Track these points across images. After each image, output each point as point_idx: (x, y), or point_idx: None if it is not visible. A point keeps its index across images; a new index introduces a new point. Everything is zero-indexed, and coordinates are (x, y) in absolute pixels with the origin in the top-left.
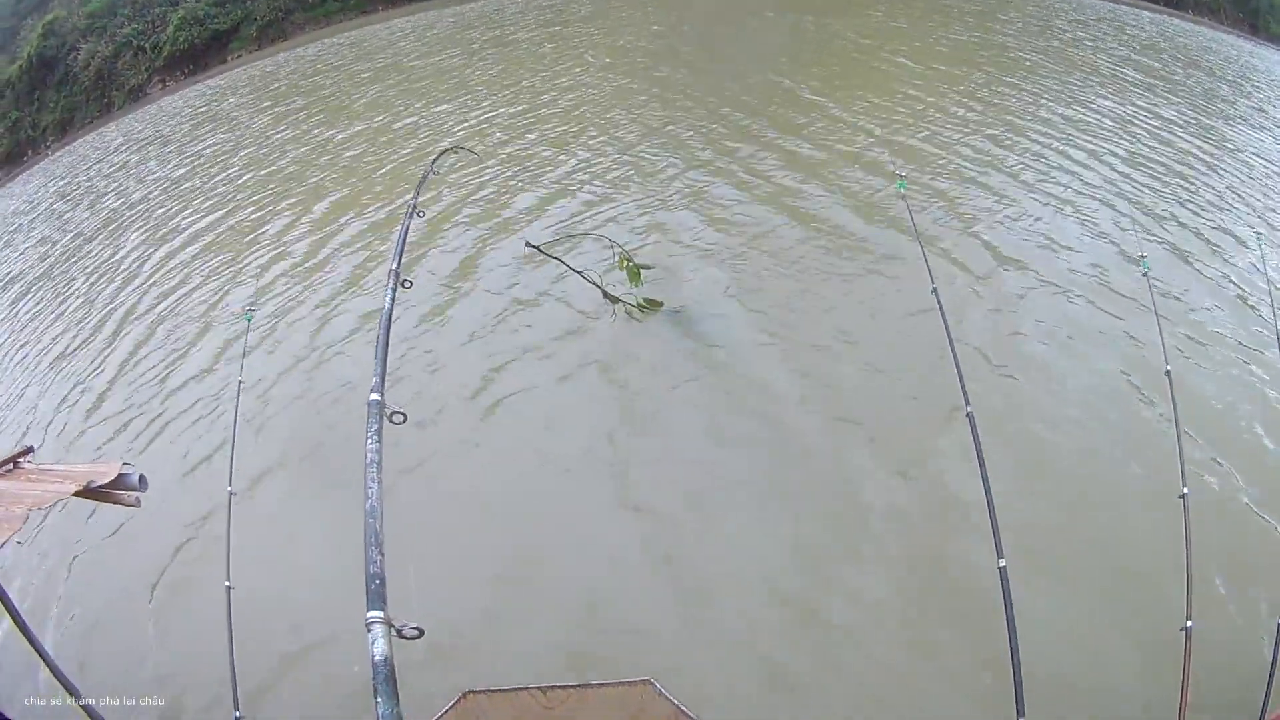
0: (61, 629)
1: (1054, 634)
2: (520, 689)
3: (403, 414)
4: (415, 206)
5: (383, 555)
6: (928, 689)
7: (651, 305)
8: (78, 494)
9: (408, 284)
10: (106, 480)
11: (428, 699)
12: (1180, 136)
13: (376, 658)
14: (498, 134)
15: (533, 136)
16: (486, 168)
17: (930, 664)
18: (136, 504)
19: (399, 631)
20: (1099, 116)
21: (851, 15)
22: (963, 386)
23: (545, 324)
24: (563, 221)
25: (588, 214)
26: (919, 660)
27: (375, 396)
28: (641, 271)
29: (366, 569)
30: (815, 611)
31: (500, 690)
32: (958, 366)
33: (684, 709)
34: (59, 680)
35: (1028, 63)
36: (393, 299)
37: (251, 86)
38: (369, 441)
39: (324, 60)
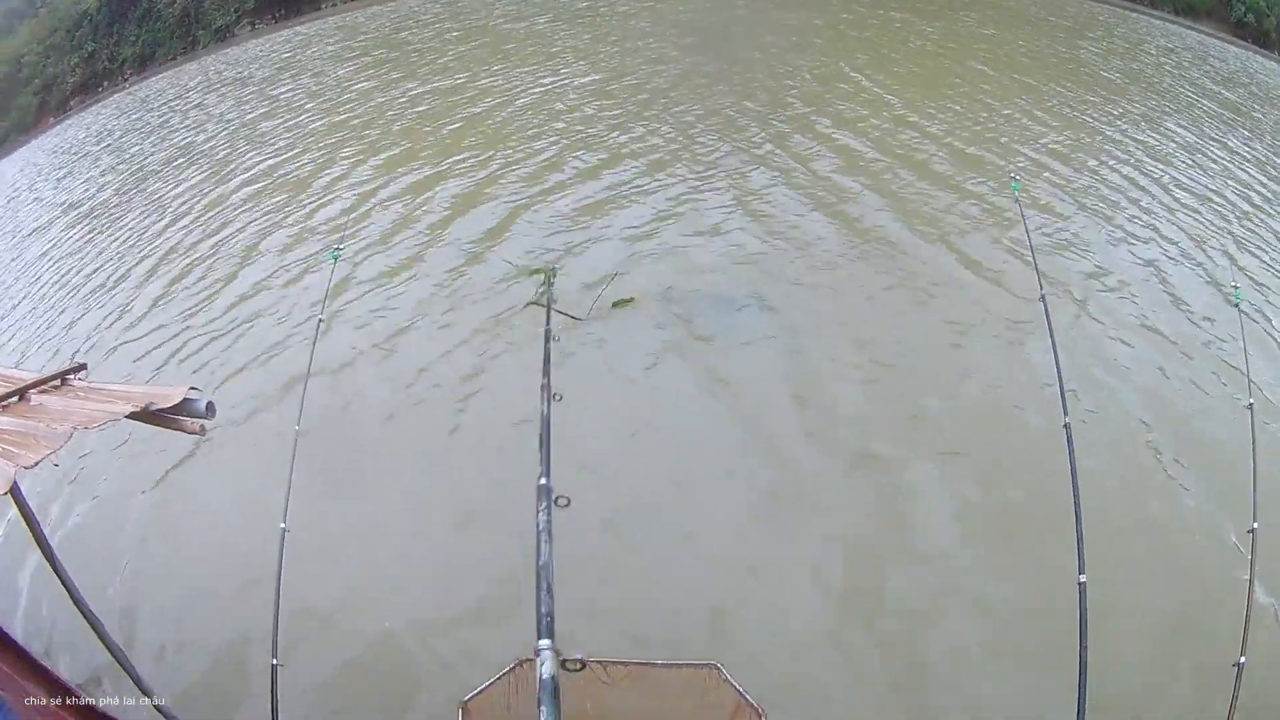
0: (106, 563)
1: (1117, 655)
2: (587, 660)
3: (567, 499)
4: (550, 333)
5: (553, 598)
6: (989, 691)
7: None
8: (133, 416)
9: (559, 397)
10: (170, 404)
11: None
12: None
13: (545, 677)
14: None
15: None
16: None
17: (1000, 668)
18: (201, 432)
19: (564, 662)
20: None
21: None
22: (1062, 396)
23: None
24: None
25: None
26: (989, 662)
27: (543, 482)
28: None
29: (538, 608)
30: (898, 611)
31: (569, 658)
32: (1059, 376)
33: (747, 696)
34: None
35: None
36: (549, 406)
37: (342, 35)
38: (540, 515)
39: (415, 16)
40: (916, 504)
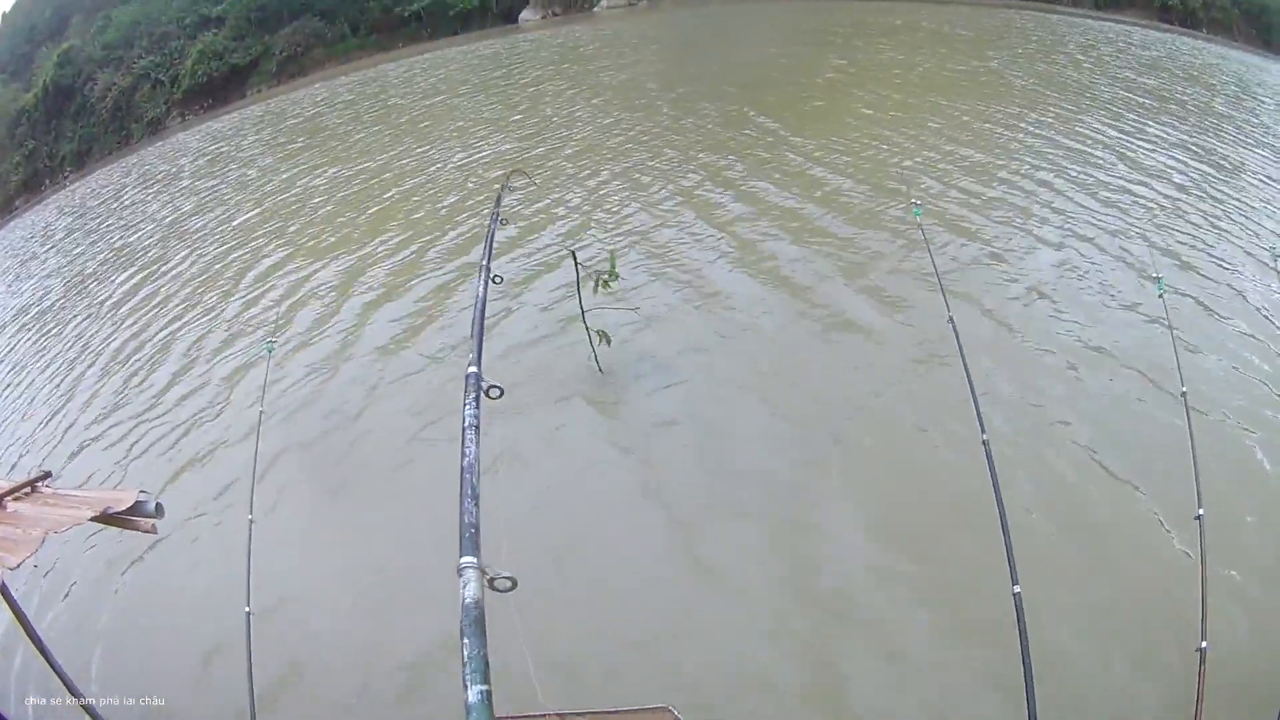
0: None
1: (1068, 655)
2: (539, 715)
3: (499, 388)
4: (499, 214)
5: (478, 508)
6: (939, 711)
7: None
8: (94, 519)
9: (498, 279)
10: (123, 507)
11: None
12: (1181, 156)
13: (467, 600)
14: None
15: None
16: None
17: (942, 685)
18: (153, 530)
19: (491, 581)
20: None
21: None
22: (978, 414)
23: None
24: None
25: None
26: (931, 680)
27: (473, 369)
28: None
29: (461, 519)
30: (837, 631)
31: (519, 717)
32: (973, 394)
33: None
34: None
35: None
36: (485, 290)
37: (266, 123)
38: (466, 409)
39: (337, 97)
40: (835, 535)
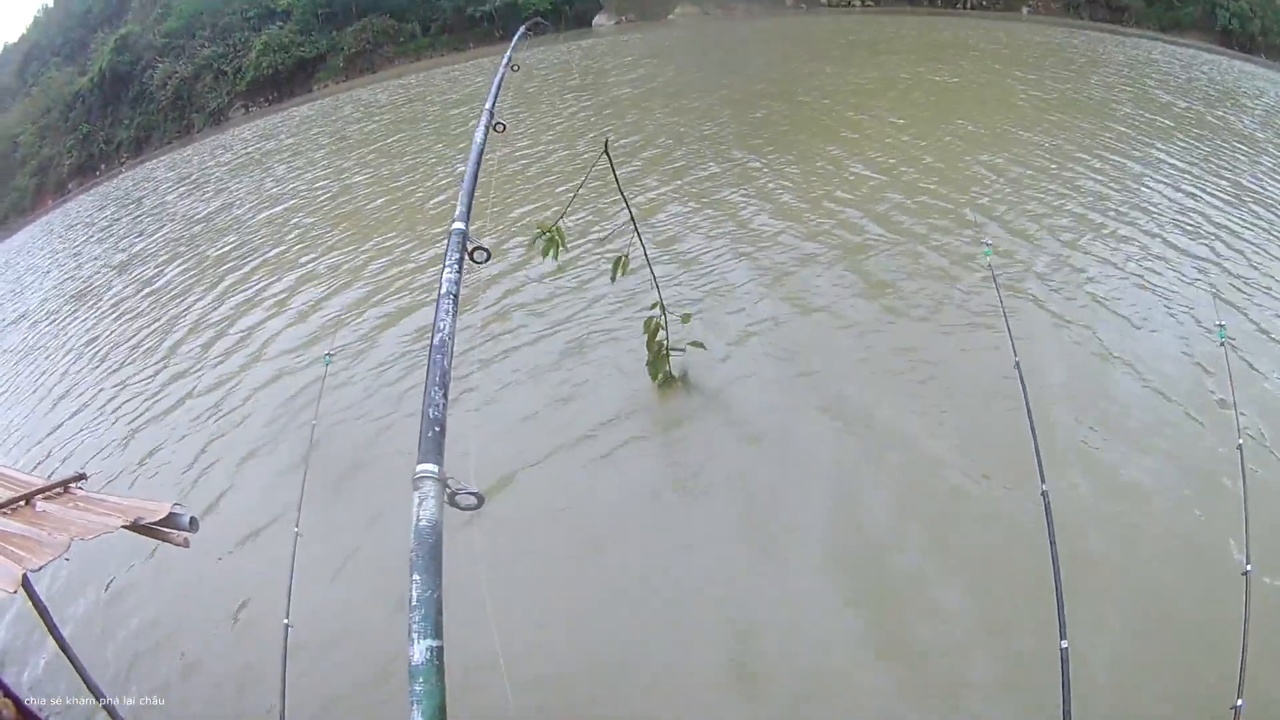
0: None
1: (1108, 705)
2: None
3: (486, 251)
4: (511, 60)
5: (446, 399)
6: None
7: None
8: (126, 528)
9: (500, 127)
10: (157, 518)
11: None
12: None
13: (422, 522)
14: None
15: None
16: None
17: None
18: (185, 544)
19: (453, 495)
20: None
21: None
22: (1039, 464)
23: None
24: None
25: None
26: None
27: (459, 225)
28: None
29: (424, 413)
30: (882, 678)
31: None
32: (1035, 444)
33: None
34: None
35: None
36: (484, 135)
37: (332, 115)
38: (446, 271)
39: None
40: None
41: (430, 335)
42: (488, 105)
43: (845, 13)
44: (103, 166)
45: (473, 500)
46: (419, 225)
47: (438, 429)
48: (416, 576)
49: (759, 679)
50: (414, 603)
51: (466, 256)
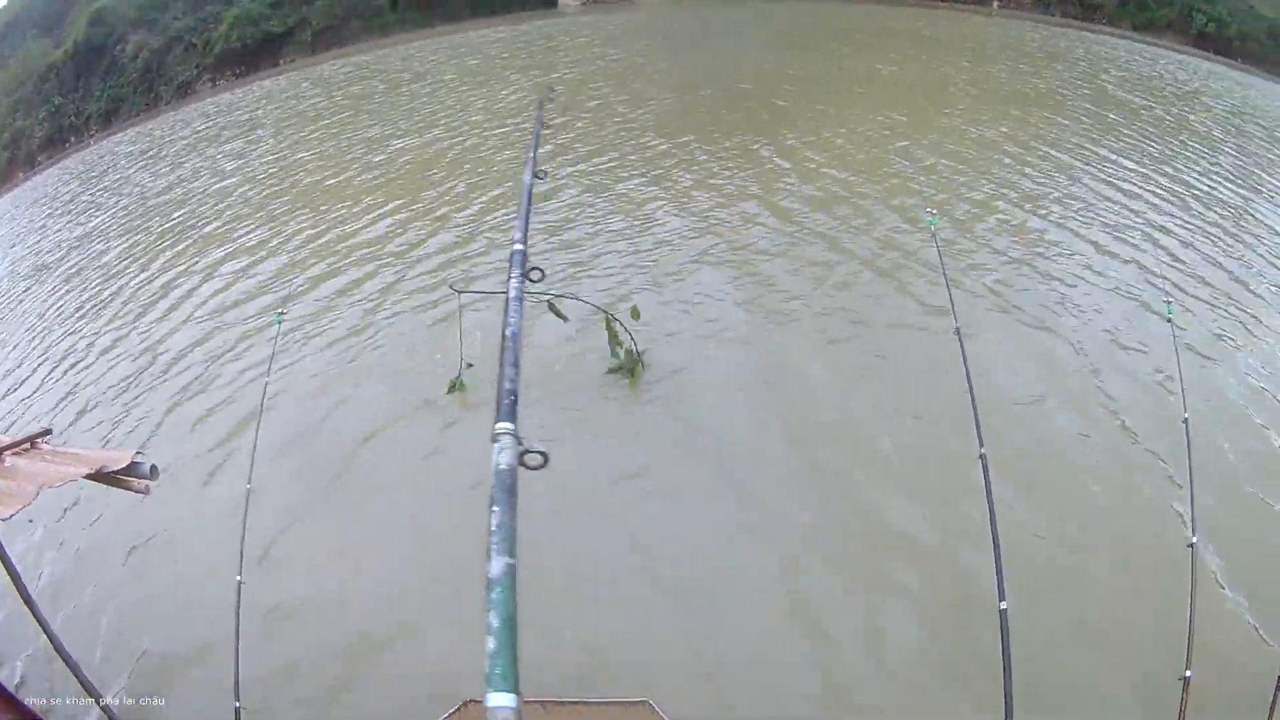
0: (73, 609)
1: (1051, 678)
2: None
3: (540, 270)
4: (541, 117)
5: (518, 374)
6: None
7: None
8: (89, 477)
9: (543, 175)
10: (119, 467)
11: None
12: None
13: (501, 466)
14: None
15: None
16: None
17: (922, 704)
18: (145, 491)
19: (524, 453)
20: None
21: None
22: (978, 429)
23: None
24: None
25: None
26: (911, 699)
27: (519, 247)
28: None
29: (500, 385)
30: (823, 635)
31: None
32: (974, 408)
33: None
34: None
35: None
36: (531, 176)
37: (300, 90)
38: (511, 281)
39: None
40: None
41: (503, 328)
42: (531, 155)
43: (819, 2)
44: (72, 139)
45: (539, 459)
46: (364, 198)
47: (513, 398)
48: (496, 508)
49: None
50: (494, 526)
51: (525, 275)
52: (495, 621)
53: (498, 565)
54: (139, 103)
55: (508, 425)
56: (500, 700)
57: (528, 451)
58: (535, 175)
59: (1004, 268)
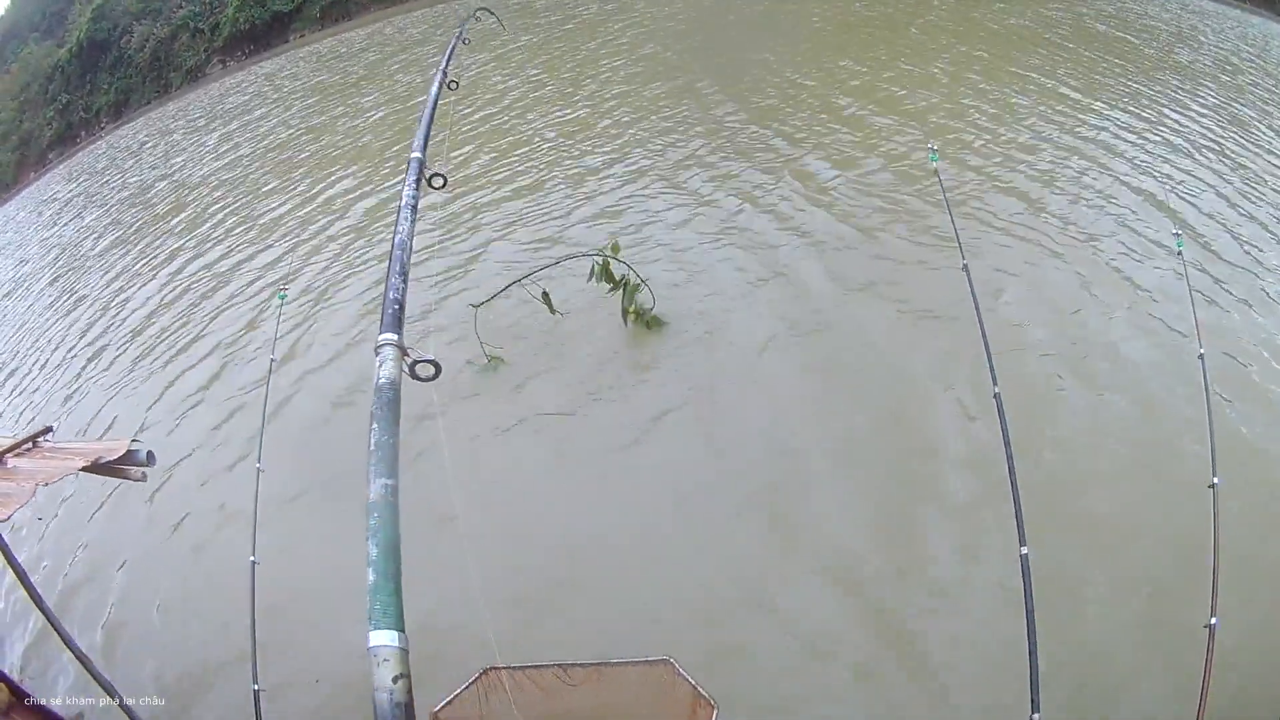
0: (81, 601)
1: (1072, 627)
2: (542, 666)
3: (443, 177)
4: (463, 33)
5: (405, 284)
6: (938, 678)
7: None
8: (85, 469)
9: (454, 85)
10: (115, 456)
11: None
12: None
13: (381, 380)
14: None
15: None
16: None
17: (943, 653)
18: (142, 478)
19: (411, 365)
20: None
21: None
22: (991, 367)
23: None
24: None
25: None
26: (932, 647)
27: (417, 155)
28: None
29: (386, 294)
30: (841, 584)
31: (522, 667)
32: (986, 346)
33: (701, 690)
34: (88, 670)
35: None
36: (439, 88)
37: (308, 67)
38: (405, 188)
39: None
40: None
41: (392, 236)
42: (443, 65)
43: None
44: (83, 134)
45: (430, 370)
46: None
47: (397, 307)
48: (375, 425)
49: None
50: (372, 447)
51: (425, 181)
52: (374, 550)
53: (376, 488)
54: (149, 91)
55: (391, 336)
56: (381, 639)
57: (418, 362)
58: (446, 85)
59: (1009, 201)
